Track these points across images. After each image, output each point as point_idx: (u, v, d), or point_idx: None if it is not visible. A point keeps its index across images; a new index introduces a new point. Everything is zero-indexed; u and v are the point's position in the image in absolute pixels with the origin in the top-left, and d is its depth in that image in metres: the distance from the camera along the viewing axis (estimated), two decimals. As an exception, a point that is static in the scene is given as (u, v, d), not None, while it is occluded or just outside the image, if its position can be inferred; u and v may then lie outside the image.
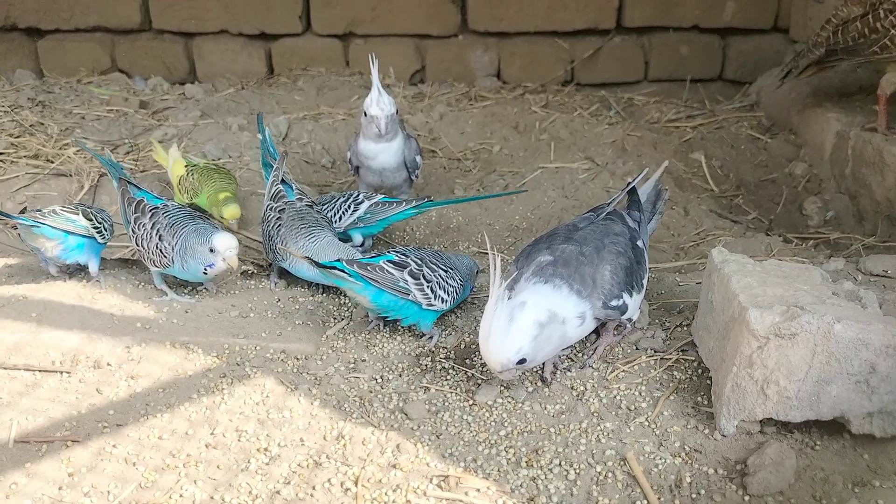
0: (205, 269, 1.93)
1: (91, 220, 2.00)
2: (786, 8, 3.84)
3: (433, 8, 3.88)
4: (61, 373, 1.68)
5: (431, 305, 1.83)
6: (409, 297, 1.80)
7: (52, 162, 2.81)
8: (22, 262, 2.16)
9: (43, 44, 3.97)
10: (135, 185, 2.08)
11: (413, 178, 2.64)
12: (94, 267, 2.03)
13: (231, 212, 2.38)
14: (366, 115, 2.45)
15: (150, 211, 2.00)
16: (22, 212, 2.16)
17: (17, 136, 3.00)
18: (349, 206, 2.30)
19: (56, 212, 1.99)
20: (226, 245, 1.90)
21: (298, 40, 3.97)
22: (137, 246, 2.00)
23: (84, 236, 1.99)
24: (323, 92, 3.68)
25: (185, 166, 2.53)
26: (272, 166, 2.23)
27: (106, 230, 2.04)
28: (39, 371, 1.69)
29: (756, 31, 3.90)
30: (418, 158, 2.60)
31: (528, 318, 1.47)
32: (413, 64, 3.97)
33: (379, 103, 2.41)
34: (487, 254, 1.47)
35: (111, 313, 1.89)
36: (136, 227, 2.00)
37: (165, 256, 1.95)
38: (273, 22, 3.91)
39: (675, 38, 3.92)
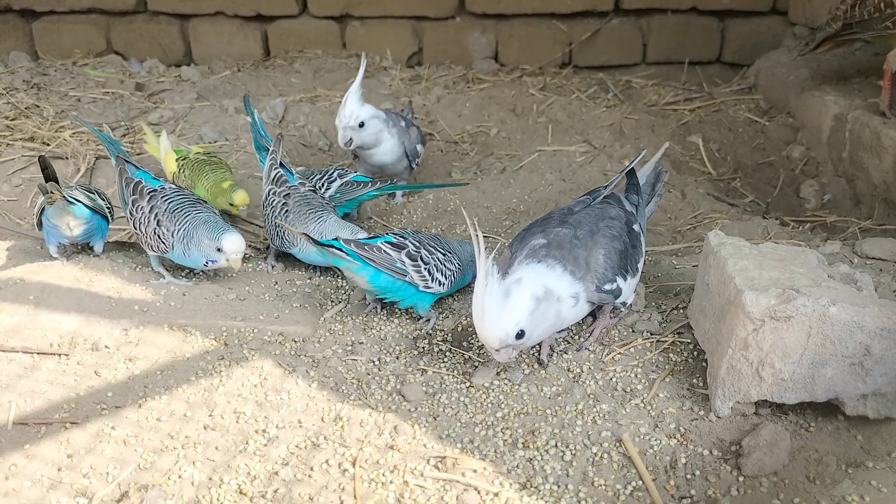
0: (206, 262, 1.94)
1: (104, 199, 2.02)
2: (784, -10, 3.82)
3: (430, -11, 3.85)
4: (59, 355, 1.69)
5: (428, 287, 1.83)
6: (407, 279, 1.80)
7: (48, 144, 2.80)
8: (19, 245, 2.16)
9: (38, 25, 3.95)
10: (133, 165, 2.07)
11: (413, 166, 2.63)
12: (100, 246, 2.06)
13: (241, 198, 2.33)
14: None
15: (149, 194, 1.99)
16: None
17: (13, 119, 2.99)
18: (323, 185, 2.30)
19: (77, 190, 1.97)
20: (234, 248, 1.90)
21: (295, 22, 3.95)
22: (135, 229, 2.00)
23: (101, 215, 2.00)
24: (320, 74, 3.66)
25: (176, 160, 2.47)
26: (266, 149, 2.22)
27: (110, 208, 2.06)
28: (37, 353, 1.69)
29: (754, 13, 3.88)
30: (419, 147, 2.59)
31: (524, 293, 1.48)
32: (410, 46, 3.95)
33: (339, 114, 2.37)
34: (485, 237, 1.46)
35: (109, 296, 1.89)
36: (135, 209, 1.99)
37: (164, 242, 1.95)
38: (269, 3, 3.89)
39: (673, 20, 3.90)
